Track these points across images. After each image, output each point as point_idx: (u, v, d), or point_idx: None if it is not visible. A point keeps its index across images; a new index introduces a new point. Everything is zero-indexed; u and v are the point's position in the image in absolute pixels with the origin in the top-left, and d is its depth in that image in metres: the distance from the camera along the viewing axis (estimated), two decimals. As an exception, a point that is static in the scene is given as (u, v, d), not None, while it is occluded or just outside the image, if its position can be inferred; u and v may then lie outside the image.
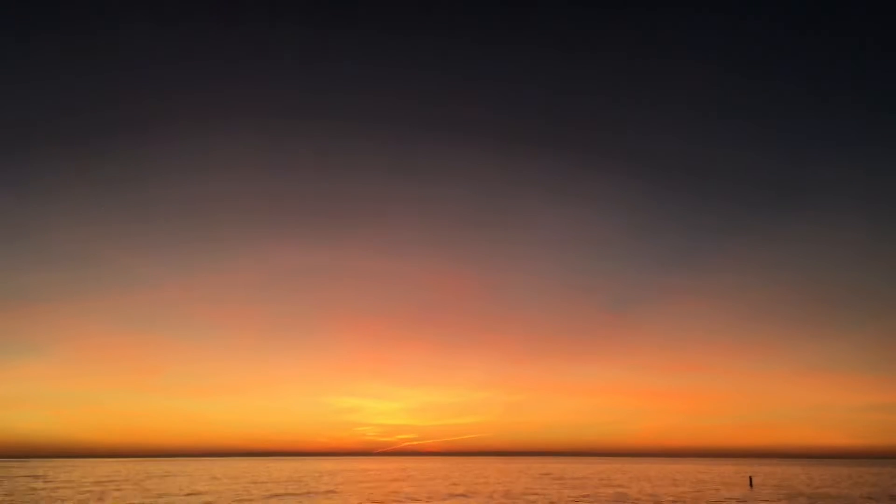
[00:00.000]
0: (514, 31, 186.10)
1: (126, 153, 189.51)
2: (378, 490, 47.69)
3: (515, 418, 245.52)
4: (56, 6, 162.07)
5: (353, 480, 61.94)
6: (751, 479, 64.84)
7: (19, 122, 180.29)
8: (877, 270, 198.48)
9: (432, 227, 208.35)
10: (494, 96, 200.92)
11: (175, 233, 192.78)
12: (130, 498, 39.83)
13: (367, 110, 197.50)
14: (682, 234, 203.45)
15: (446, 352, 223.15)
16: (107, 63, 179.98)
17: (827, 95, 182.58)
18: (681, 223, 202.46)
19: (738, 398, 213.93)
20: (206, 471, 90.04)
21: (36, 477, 70.85)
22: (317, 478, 67.22)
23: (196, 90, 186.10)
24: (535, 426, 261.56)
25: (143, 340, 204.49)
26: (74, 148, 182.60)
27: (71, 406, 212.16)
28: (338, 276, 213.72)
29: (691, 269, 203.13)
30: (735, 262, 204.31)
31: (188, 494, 42.89)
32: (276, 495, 42.25)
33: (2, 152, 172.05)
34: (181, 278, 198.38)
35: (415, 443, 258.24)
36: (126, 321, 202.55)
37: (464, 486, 53.44)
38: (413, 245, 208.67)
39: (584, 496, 42.34)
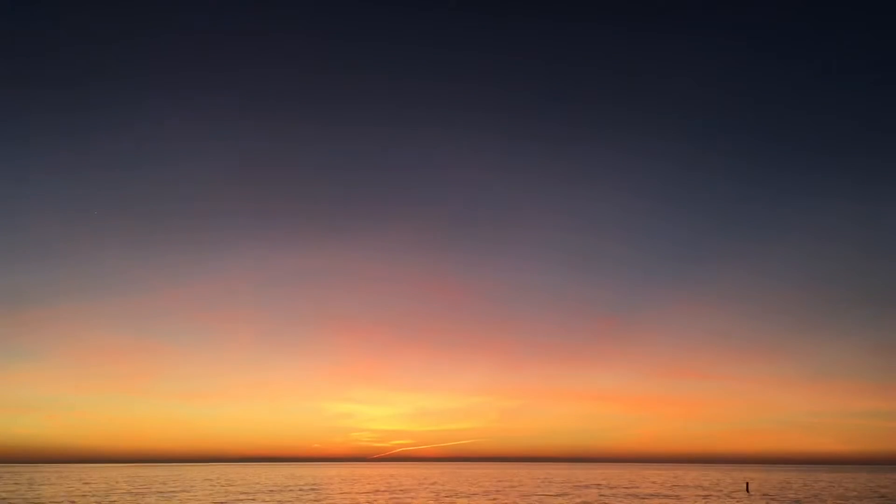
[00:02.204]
0: (510, 34, 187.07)
1: (123, 156, 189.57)
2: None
3: (511, 424, 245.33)
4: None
5: (380, 489, 61.99)
6: (747, 484, 65.42)
7: (16, 122, 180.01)
8: (873, 277, 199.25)
9: (428, 233, 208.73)
10: (492, 101, 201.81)
11: (171, 237, 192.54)
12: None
13: (364, 113, 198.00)
14: (677, 240, 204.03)
15: (442, 357, 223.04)
16: (107, 66, 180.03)
17: (828, 96, 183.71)
18: (676, 229, 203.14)
19: (734, 404, 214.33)
20: (201, 476, 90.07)
21: (41, 484, 70.77)
22: (331, 486, 67.30)
23: (192, 95, 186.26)
24: (531, 432, 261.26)
25: (138, 345, 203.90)
26: (72, 151, 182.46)
27: (65, 410, 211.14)
28: (333, 282, 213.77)
29: (687, 276, 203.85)
30: (732, 268, 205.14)
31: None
32: None
33: None
34: (176, 283, 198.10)
35: (410, 448, 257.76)
36: (121, 325, 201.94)
37: (517, 494, 53.63)
38: (409, 250, 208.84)
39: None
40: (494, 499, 44.87)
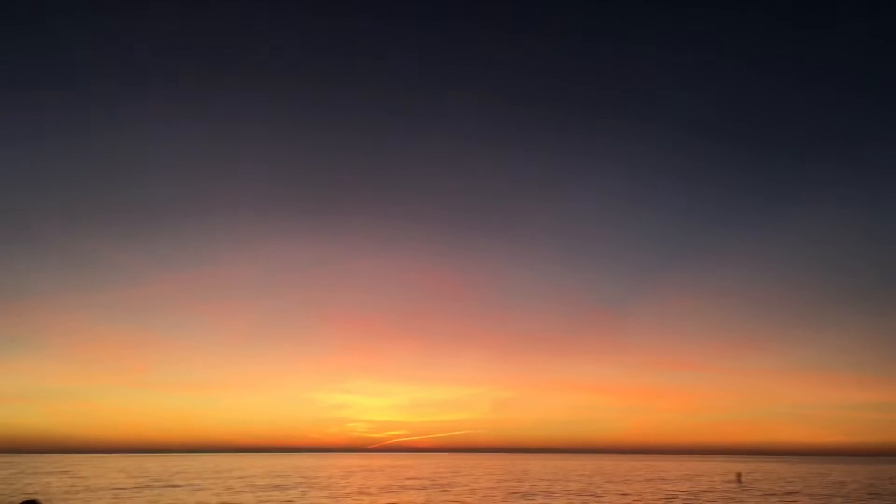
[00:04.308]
0: (509, 22, 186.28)
1: (119, 148, 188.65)
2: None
3: (506, 415, 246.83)
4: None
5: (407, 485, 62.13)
6: (739, 475, 66.02)
7: (14, 119, 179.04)
8: (867, 269, 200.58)
9: (423, 224, 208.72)
10: (488, 92, 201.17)
11: (167, 228, 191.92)
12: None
13: (359, 104, 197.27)
14: (671, 232, 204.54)
15: (437, 348, 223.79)
16: (107, 59, 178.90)
17: (826, 92, 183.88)
18: (671, 220, 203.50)
19: (727, 395, 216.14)
20: (196, 467, 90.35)
21: (63, 472, 70.97)
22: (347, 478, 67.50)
23: (189, 84, 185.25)
24: (525, 423, 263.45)
25: (135, 336, 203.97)
26: (68, 143, 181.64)
27: (62, 401, 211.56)
28: (329, 272, 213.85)
29: (681, 268, 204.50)
30: (725, 260, 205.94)
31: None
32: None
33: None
34: (172, 274, 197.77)
35: (405, 439, 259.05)
36: (117, 316, 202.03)
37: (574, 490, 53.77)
38: (404, 241, 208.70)
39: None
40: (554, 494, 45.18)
